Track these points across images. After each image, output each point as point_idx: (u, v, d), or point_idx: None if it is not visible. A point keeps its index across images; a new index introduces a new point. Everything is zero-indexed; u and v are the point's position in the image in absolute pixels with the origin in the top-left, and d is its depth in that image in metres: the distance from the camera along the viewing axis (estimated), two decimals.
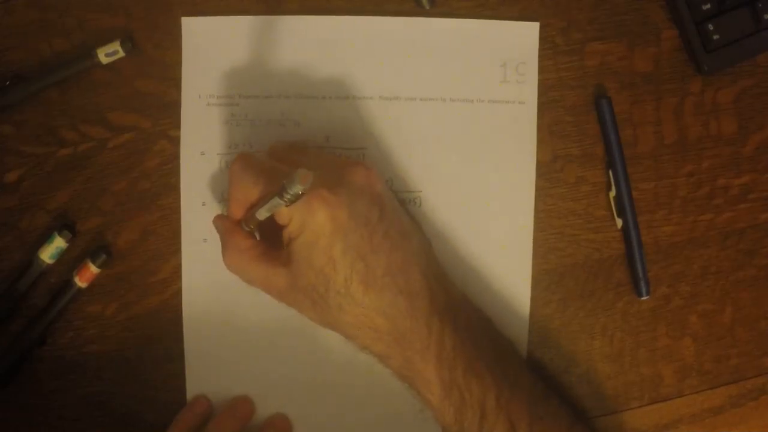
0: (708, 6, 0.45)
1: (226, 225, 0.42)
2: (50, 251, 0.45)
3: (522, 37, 0.46)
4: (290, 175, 0.33)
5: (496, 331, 0.44)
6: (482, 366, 0.40)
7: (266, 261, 0.41)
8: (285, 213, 0.38)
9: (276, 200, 0.35)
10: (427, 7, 0.46)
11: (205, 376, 0.46)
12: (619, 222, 0.46)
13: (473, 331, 0.41)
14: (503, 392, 0.40)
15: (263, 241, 0.42)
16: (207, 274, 0.46)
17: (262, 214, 0.38)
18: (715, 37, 0.45)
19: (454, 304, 0.42)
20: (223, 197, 0.46)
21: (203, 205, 0.46)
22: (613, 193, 0.46)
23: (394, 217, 0.41)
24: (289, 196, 0.34)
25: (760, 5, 0.44)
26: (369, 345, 0.41)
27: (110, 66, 0.46)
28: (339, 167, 0.40)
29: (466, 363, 0.40)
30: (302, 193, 0.34)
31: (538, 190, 0.46)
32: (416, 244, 0.42)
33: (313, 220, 0.38)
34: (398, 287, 0.39)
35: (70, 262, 0.46)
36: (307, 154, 0.43)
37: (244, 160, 0.40)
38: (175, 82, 0.46)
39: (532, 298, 0.46)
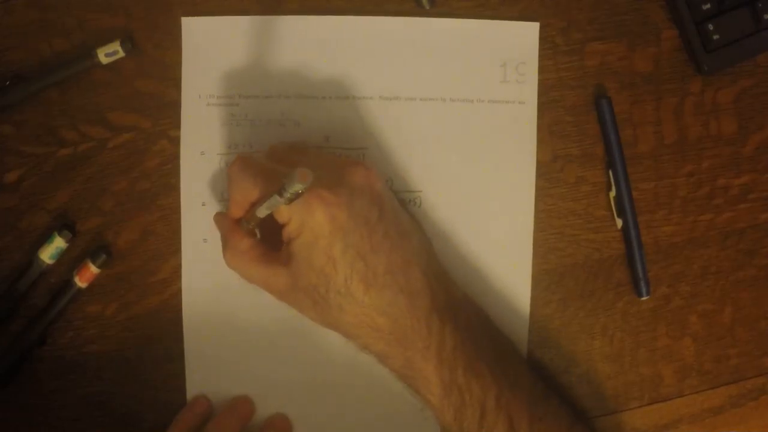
0: (708, 6, 0.45)
1: (226, 224, 0.42)
2: (50, 251, 0.45)
3: (522, 37, 0.46)
4: (290, 173, 0.33)
5: (497, 330, 0.44)
6: (482, 365, 0.40)
7: (266, 261, 0.41)
8: (285, 213, 0.38)
9: (276, 198, 0.35)
10: (427, 7, 0.46)
11: (205, 376, 0.46)
12: (619, 222, 0.46)
13: (474, 331, 0.41)
14: (503, 392, 0.40)
15: (264, 240, 0.42)
16: (207, 274, 0.46)
17: (262, 212, 0.38)
18: (715, 37, 0.45)
19: (454, 304, 0.42)
20: (223, 197, 0.46)
21: (203, 205, 0.46)
22: (613, 193, 0.46)
23: (394, 216, 0.41)
24: (289, 195, 0.34)
25: (760, 5, 0.44)
26: (369, 344, 0.41)
27: (110, 66, 0.46)
28: (339, 167, 0.40)
29: (466, 362, 0.40)
30: (302, 192, 0.34)
31: (538, 190, 0.46)
32: (416, 243, 0.42)
33: (312, 220, 0.38)
34: (399, 286, 0.39)
35: (70, 262, 0.46)
36: (307, 155, 0.43)
37: (243, 161, 0.40)
38: (175, 82, 0.46)
39: (532, 298, 0.46)
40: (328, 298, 0.39)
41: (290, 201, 0.35)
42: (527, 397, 0.41)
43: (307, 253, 0.39)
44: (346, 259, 0.38)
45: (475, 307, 0.44)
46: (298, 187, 0.33)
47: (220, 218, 0.43)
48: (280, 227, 0.40)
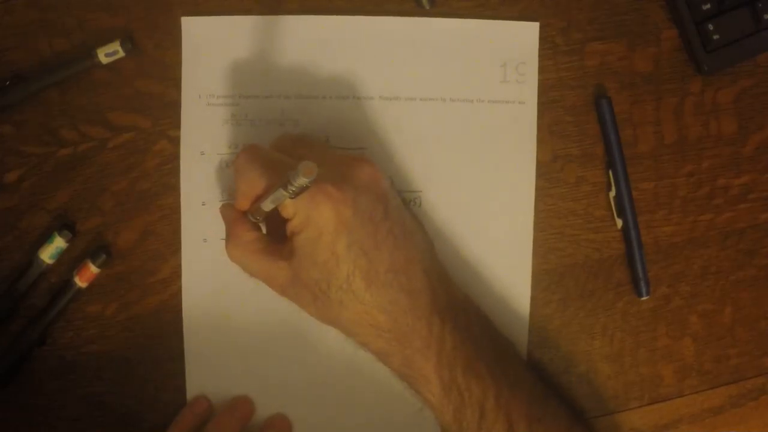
0: (708, 6, 0.45)
1: (232, 215, 0.42)
2: (50, 251, 0.45)
3: (522, 37, 0.46)
4: (295, 167, 0.33)
5: (497, 331, 0.44)
6: (482, 366, 0.40)
7: (269, 254, 0.41)
8: (290, 207, 0.38)
9: (281, 192, 0.35)
10: (427, 7, 0.46)
11: (205, 376, 0.46)
12: (619, 222, 0.46)
13: (474, 331, 0.41)
14: (502, 392, 0.40)
15: (269, 233, 0.42)
16: (207, 274, 0.46)
17: (267, 206, 0.38)
18: (715, 37, 0.45)
19: (455, 304, 0.42)
20: (223, 197, 0.46)
21: (203, 205, 0.46)
22: (613, 193, 0.46)
23: (398, 214, 0.41)
24: (293, 189, 0.34)
25: (760, 5, 0.44)
26: (369, 342, 0.41)
27: (110, 66, 0.46)
28: (345, 163, 0.40)
29: (465, 362, 0.40)
30: (307, 186, 0.34)
31: (538, 190, 0.46)
32: (419, 242, 0.42)
33: (317, 215, 0.38)
34: (400, 285, 0.39)
35: (70, 262, 0.46)
36: (313, 149, 0.43)
37: (251, 152, 0.40)
38: (175, 82, 0.46)
39: (532, 298, 0.46)
40: (329, 293, 0.39)
41: (295, 195, 0.35)
42: (526, 398, 0.41)
43: (310, 247, 0.39)
44: (350, 256, 0.38)
45: (475, 308, 0.44)
46: (303, 181, 0.33)
47: (226, 210, 0.43)
48: (285, 222, 0.40)
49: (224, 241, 0.42)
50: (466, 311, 0.42)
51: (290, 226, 0.39)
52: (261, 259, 0.41)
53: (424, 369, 0.40)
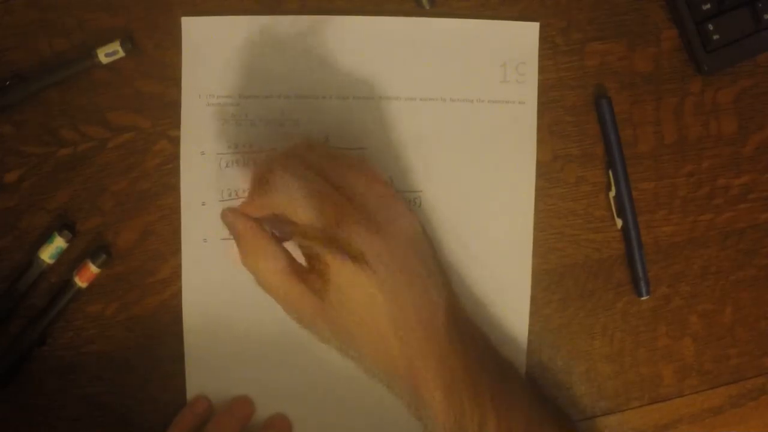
0: (708, 6, 0.45)
1: (248, 226, 0.39)
2: (50, 251, 0.45)
3: (522, 37, 0.46)
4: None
5: (496, 351, 0.43)
6: (485, 391, 0.39)
7: (297, 280, 0.38)
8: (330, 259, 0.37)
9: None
10: (427, 7, 0.46)
11: (205, 376, 0.46)
12: (619, 222, 0.46)
13: (477, 354, 0.40)
14: (502, 420, 0.39)
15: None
16: (207, 274, 0.46)
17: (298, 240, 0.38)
18: (715, 37, 0.45)
19: (465, 336, 0.40)
20: (223, 197, 0.46)
21: (203, 205, 0.46)
22: (613, 193, 0.46)
23: (423, 259, 0.40)
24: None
25: (760, 5, 0.44)
26: (378, 375, 0.40)
27: (110, 66, 0.46)
28: (382, 206, 0.39)
29: (473, 389, 0.38)
30: None
31: (538, 190, 0.46)
32: (438, 284, 0.40)
33: (350, 292, 0.37)
34: (426, 334, 0.38)
35: (70, 262, 0.46)
36: (341, 166, 0.41)
37: (289, 168, 0.38)
38: (175, 82, 0.46)
39: (532, 298, 0.46)
40: (361, 338, 0.38)
41: None
42: (525, 421, 0.39)
43: (345, 297, 0.38)
44: (387, 311, 0.37)
45: (477, 329, 0.42)
46: None
47: (240, 218, 0.39)
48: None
49: (226, 242, 0.42)
50: (472, 335, 0.41)
51: (318, 266, 0.38)
52: (287, 283, 0.39)
53: (432, 401, 0.38)
